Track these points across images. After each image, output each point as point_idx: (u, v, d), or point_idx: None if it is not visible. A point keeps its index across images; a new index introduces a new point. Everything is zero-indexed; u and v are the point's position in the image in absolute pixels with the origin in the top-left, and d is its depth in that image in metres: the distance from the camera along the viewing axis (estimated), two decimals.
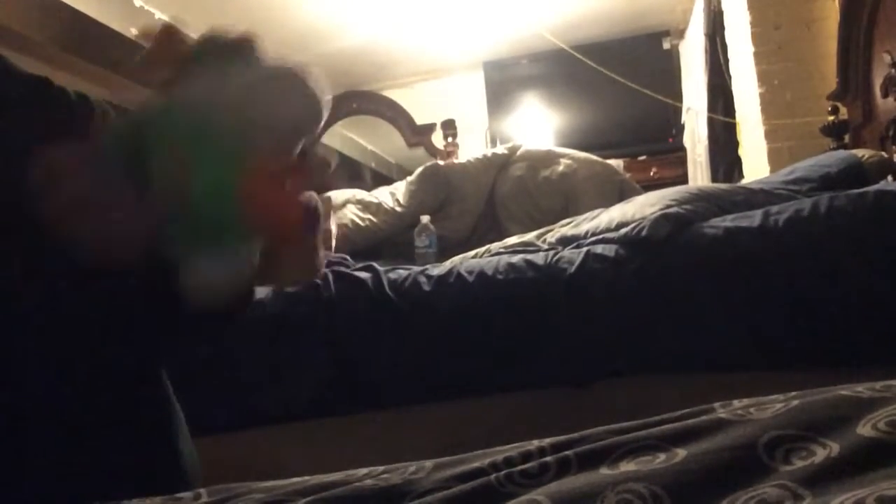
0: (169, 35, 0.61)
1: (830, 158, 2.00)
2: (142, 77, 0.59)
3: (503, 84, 4.77)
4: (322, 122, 0.59)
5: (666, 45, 4.54)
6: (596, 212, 1.85)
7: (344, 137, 5.60)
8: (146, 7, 3.65)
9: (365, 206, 2.61)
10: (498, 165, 2.67)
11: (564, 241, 1.73)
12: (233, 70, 0.56)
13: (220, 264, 0.56)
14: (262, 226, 0.55)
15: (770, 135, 2.97)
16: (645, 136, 4.51)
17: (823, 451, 0.42)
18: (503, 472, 0.46)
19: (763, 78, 2.99)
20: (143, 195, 0.54)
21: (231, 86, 0.56)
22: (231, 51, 0.58)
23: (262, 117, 0.55)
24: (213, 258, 0.56)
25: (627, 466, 0.44)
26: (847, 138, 2.51)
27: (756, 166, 3.09)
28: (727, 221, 1.49)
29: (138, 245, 0.56)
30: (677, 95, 4.38)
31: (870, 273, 1.35)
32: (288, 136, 0.57)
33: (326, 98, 0.58)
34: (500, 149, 2.78)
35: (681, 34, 4.57)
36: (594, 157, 2.70)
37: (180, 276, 0.56)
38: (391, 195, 2.66)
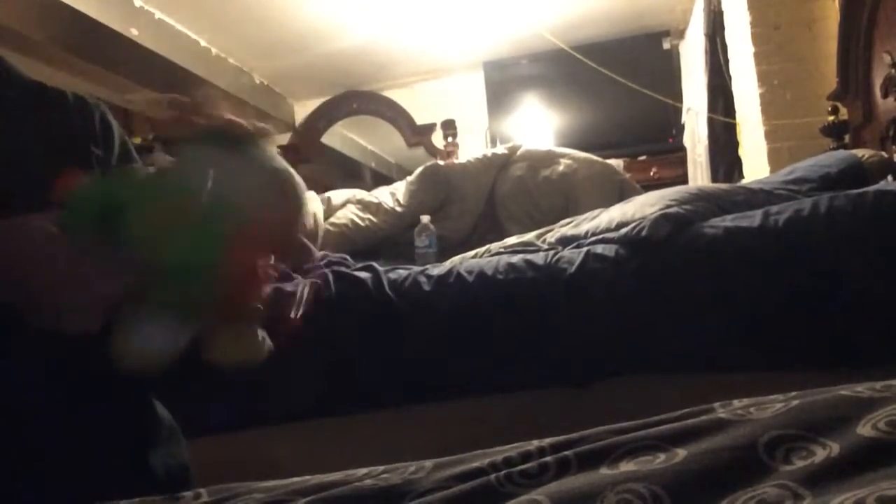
0: (183, 108, 0.63)
1: (830, 158, 2.00)
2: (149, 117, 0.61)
3: (503, 84, 4.76)
4: (297, 225, 0.64)
5: (666, 45, 4.54)
6: (596, 212, 1.85)
7: (344, 137, 5.61)
8: (146, 7, 3.64)
9: (365, 206, 2.61)
10: (498, 165, 2.67)
11: (564, 241, 1.73)
12: (233, 159, 0.59)
13: (159, 336, 0.58)
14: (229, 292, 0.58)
15: (770, 135, 2.96)
16: (645, 136, 4.51)
17: (823, 451, 0.42)
18: (503, 472, 0.46)
19: (763, 78, 2.99)
20: (102, 262, 0.56)
21: (227, 172, 0.58)
22: (237, 142, 0.60)
23: (250, 208, 0.58)
24: (155, 330, 0.58)
25: (627, 466, 0.44)
26: (847, 138, 2.51)
27: (756, 166, 3.09)
28: (727, 221, 1.49)
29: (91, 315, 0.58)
30: (677, 95, 4.38)
31: (870, 273, 1.35)
32: (267, 229, 0.61)
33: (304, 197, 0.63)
34: (500, 149, 2.78)
35: (681, 34, 4.57)
36: (594, 157, 2.70)
37: (113, 341, 0.58)
38: (391, 195, 2.66)
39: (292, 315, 0.64)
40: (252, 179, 0.60)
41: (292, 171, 0.63)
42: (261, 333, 0.63)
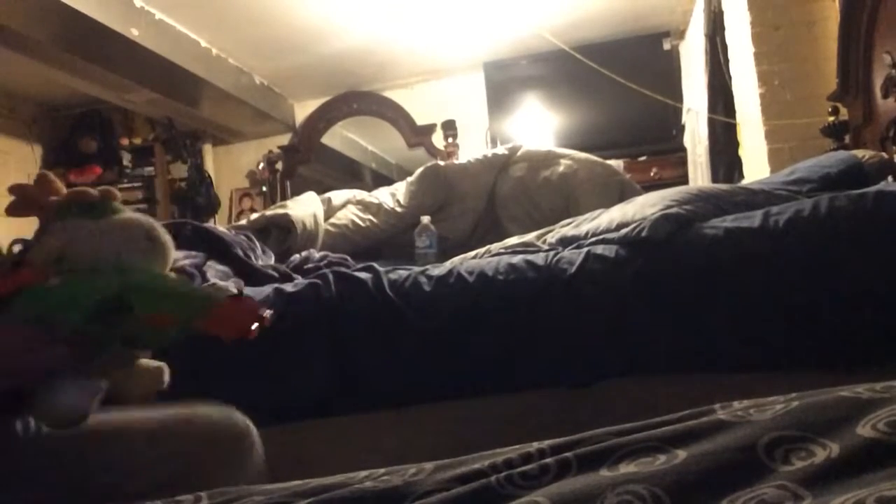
0: (41, 184, 0.72)
1: (831, 159, 2.00)
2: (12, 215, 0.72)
3: (503, 84, 4.76)
4: (169, 260, 0.72)
5: (666, 46, 4.54)
6: (596, 212, 1.85)
7: (344, 138, 5.61)
8: (146, 7, 3.65)
9: (365, 206, 2.61)
10: (498, 166, 2.67)
11: (564, 242, 1.73)
12: (90, 221, 0.68)
13: (81, 394, 0.65)
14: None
15: (770, 135, 2.96)
16: (645, 137, 4.51)
17: (823, 452, 0.42)
18: (503, 474, 0.47)
19: (763, 78, 2.99)
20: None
21: (88, 232, 0.68)
22: (90, 206, 0.69)
23: (114, 257, 0.67)
24: (76, 389, 0.65)
25: (627, 468, 0.44)
26: (847, 139, 2.51)
27: (756, 167, 3.09)
28: (727, 222, 1.49)
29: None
30: (677, 96, 4.38)
31: (870, 273, 1.35)
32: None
33: (168, 241, 0.72)
34: (501, 149, 2.78)
35: (681, 35, 4.57)
36: (594, 158, 2.70)
37: (35, 402, 0.64)
38: (391, 196, 2.66)
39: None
40: (113, 232, 0.69)
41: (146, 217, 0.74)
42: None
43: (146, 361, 0.73)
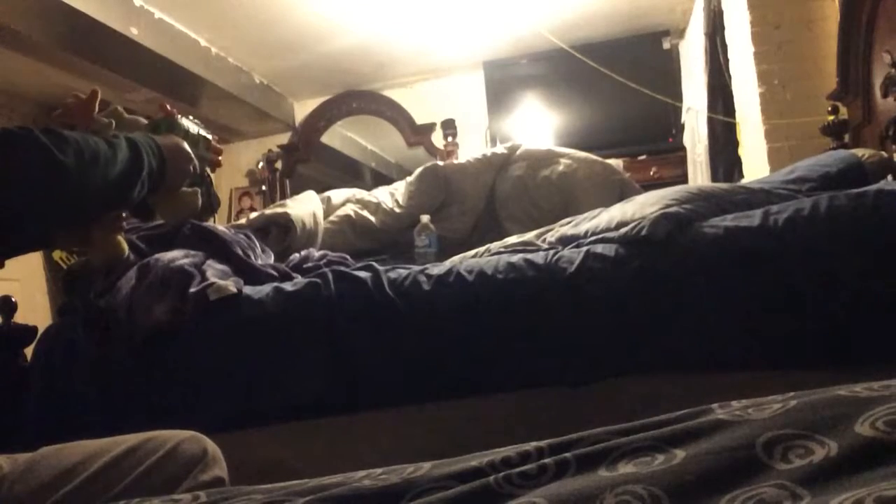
0: (92, 99, 1.02)
1: (830, 158, 2.00)
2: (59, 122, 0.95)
3: (503, 84, 4.76)
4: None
5: (666, 45, 4.53)
6: (596, 211, 1.85)
7: (344, 137, 5.60)
8: (146, 7, 3.64)
9: (364, 205, 2.61)
10: (497, 165, 2.66)
11: (564, 241, 1.73)
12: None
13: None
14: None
15: (770, 134, 2.96)
16: (645, 136, 4.50)
17: (822, 450, 0.42)
18: (502, 474, 0.46)
19: (763, 77, 2.99)
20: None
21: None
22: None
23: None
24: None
25: (626, 468, 0.44)
26: (847, 138, 2.50)
27: (756, 166, 3.09)
28: (727, 221, 1.49)
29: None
30: (677, 95, 4.37)
31: (870, 273, 1.35)
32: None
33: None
34: (500, 148, 2.77)
35: (681, 34, 4.57)
36: (594, 157, 2.69)
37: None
38: (391, 195, 2.65)
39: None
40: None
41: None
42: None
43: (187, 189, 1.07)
